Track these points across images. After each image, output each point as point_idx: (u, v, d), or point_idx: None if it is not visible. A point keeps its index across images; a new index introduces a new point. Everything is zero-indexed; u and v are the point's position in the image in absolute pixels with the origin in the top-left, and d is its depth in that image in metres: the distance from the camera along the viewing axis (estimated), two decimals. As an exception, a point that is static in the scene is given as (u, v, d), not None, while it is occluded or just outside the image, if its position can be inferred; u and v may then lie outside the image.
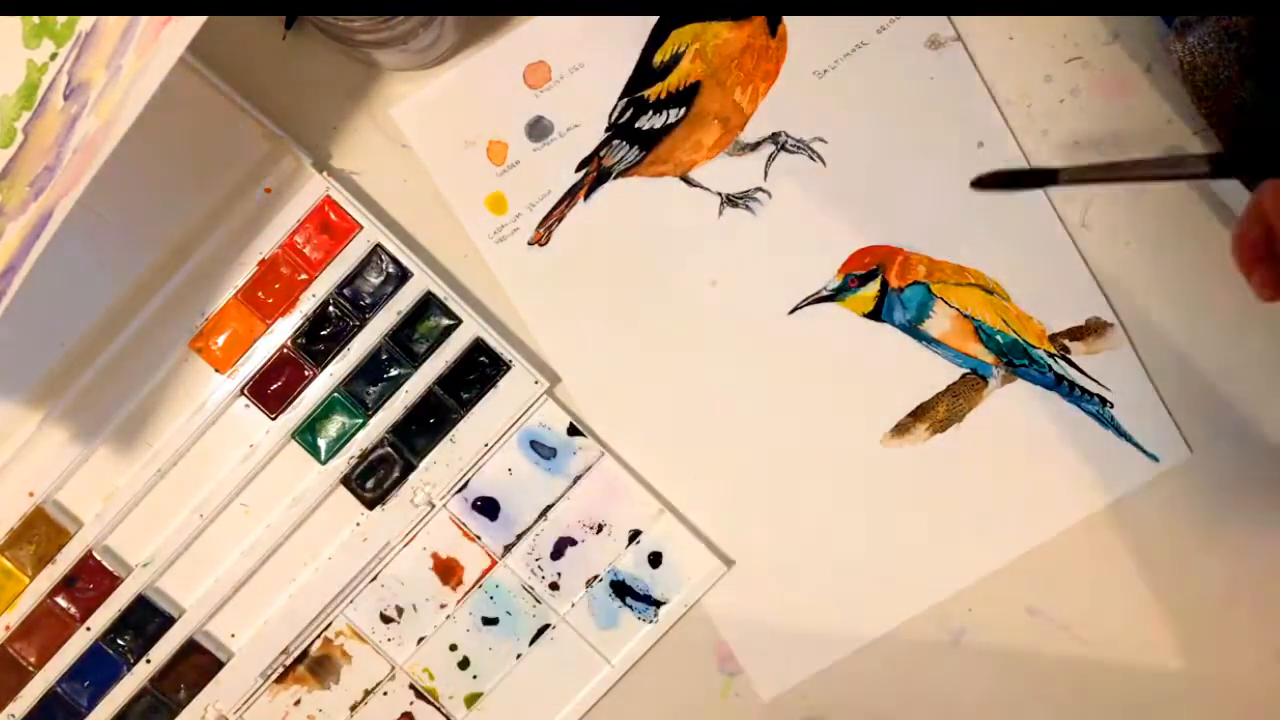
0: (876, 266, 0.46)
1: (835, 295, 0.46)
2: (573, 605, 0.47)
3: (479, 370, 0.46)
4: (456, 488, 0.47)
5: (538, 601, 0.47)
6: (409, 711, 0.48)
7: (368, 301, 0.46)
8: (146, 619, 0.47)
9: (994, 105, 0.45)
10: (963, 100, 0.45)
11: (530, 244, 0.46)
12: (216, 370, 0.46)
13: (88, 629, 0.46)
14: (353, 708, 0.47)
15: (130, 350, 0.45)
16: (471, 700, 0.47)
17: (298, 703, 0.47)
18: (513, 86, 0.46)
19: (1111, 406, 0.46)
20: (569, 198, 0.46)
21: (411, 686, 0.47)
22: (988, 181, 0.38)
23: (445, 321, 0.46)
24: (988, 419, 0.46)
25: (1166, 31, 0.43)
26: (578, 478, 0.47)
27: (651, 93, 0.46)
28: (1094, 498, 0.46)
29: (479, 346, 0.46)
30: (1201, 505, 0.46)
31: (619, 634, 0.47)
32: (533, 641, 0.47)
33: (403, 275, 0.46)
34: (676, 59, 0.45)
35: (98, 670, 0.47)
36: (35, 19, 0.37)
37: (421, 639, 0.47)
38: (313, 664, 0.47)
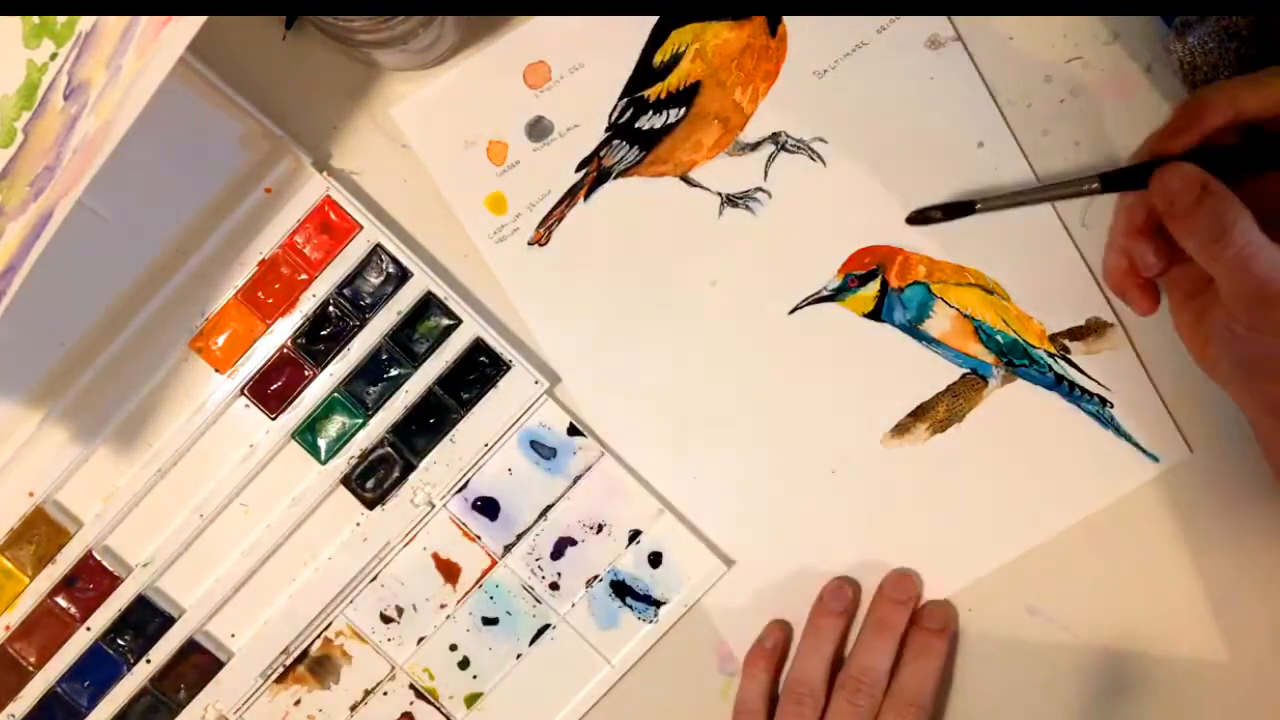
0: (876, 266, 0.46)
1: (835, 295, 0.46)
2: (573, 605, 0.47)
3: (479, 370, 0.46)
4: (456, 488, 0.47)
5: (538, 601, 0.47)
6: (409, 711, 0.48)
7: (368, 301, 0.46)
8: (146, 619, 0.47)
9: (994, 105, 0.45)
10: (963, 100, 0.45)
11: (530, 244, 0.46)
12: (216, 370, 0.46)
13: (88, 629, 0.46)
14: (353, 708, 0.47)
15: (130, 350, 0.45)
16: (471, 700, 0.47)
17: (298, 703, 0.47)
18: (513, 86, 0.46)
19: (1111, 406, 0.46)
20: (569, 198, 0.46)
21: (411, 686, 0.47)
22: (914, 219, 0.44)
23: (445, 321, 0.46)
24: (988, 419, 0.46)
25: (1166, 31, 0.43)
26: (578, 478, 0.47)
27: (651, 93, 0.46)
28: (1094, 497, 0.46)
29: (479, 346, 0.46)
30: (1201, 505, 0.46)
31: (619, 634, 0.47)
32: (533, 641, 0.47)
33: (403, 275, 0.46)
34: (676, 59, 0.45)
35: (98, 670, 0.47)
36: (35, 19, 0.37)
37: (421, 639, 0.47)
38: (313, 664, 0.47)
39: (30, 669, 0.46)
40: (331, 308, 0.46)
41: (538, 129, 0.46)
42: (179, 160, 0.44)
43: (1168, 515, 0.46)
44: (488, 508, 0.47)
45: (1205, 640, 0.46)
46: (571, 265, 0.46)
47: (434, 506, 0.47)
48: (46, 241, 0.35)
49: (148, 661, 0.47)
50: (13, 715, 0.46)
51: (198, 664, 0.47)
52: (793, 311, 0.46)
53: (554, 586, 0.47)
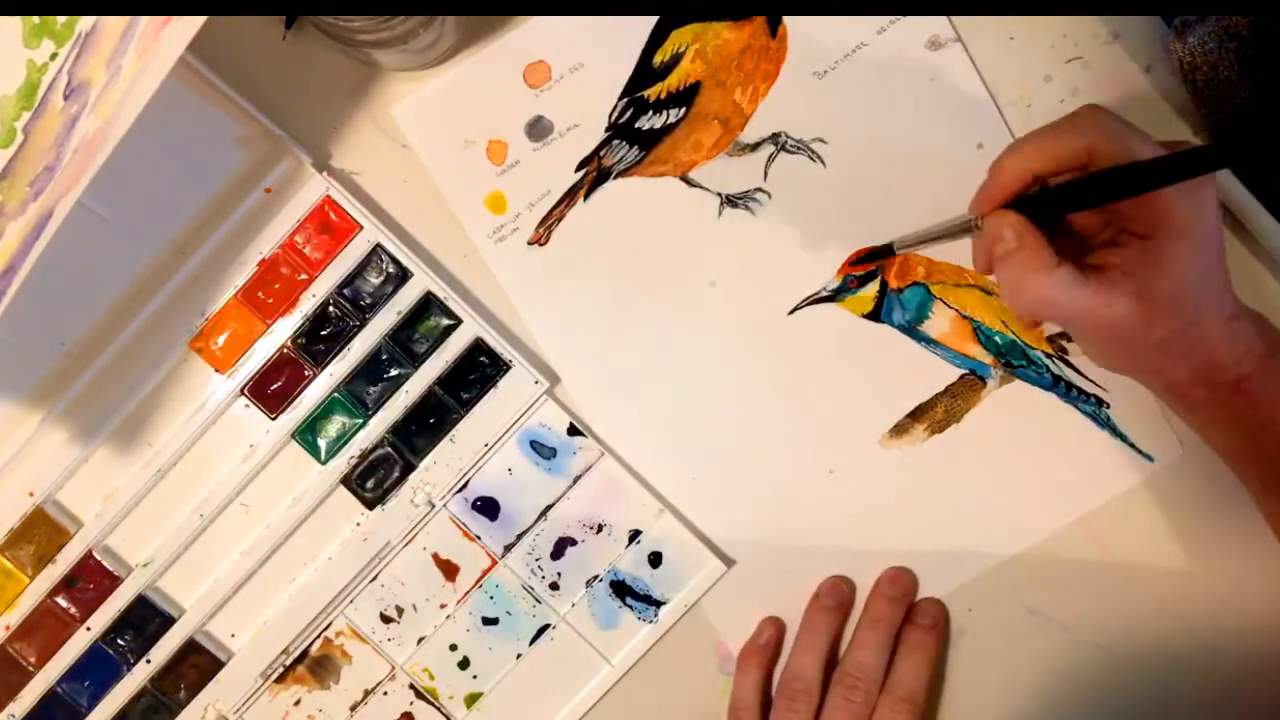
0: (876, 267, 0.46)
1: (835, 296, 0.46)
2: (573, 605, 0.47)
3: (479, 370, 0.46)
4: (456, 488, 0.47)
5: (538, 601, 0.47)
6: (409, 711, 0.48)
7: (368, 301, 0.46)
8: (146, 619, 0.47)
9: (994, 105, 0.45)
10: (963, 100, 0.45)
11: (530, 244, 0.46)
12: (216, 370, 0.46)
13: (88, 629, 0.46)
14: (353, 708, 0.47)
15: (130, 350, 0.45)
16: (471, 700, 0.47)
17: (298, 703, 0.47)
18: (513, 86, 0.46)
19: (1108, 407, 0.46)
20: (569, 198, 0.46)
21: (411, 686, 0.47)
22: (857, 261, 0.46)
23: (445, 321, 0.46)
24: (986, 419, 0.46)
25: (1166, 31, 0.43)
26: (578, 478, 0.47)
27: (651, 93, 0.46)
28: (1091, 497, 0.46)
29: (479, 346, 0.46)
30: (1195, 503, 0.46)
31: (619, 634, 0.47)
32: (533, 641, 0.47)
33: (403, 275, 0.46)
34: (676, 59, 0.45)
35: (98, 670, 0.47)
36: (35, 19, 0.37)
37: (421, 639, 0.47)
38: (313, 664, 0.47)
39: (30, 669, 0.46)
40: (331, 308, 0.46)
41: (538, 129, 0.46)
42: (179, 160, 0.44)
43: (1163, 514, 0.47)
44: (488, 508, 0.47)
45: (1203, 638, 0.47)
46: (571, 265, 0.47)
47: (434, 506, 0.47)
48: (46, 241, 0.35)
49: (148, 661, 0.47)
50: (13, 715, 0.46)
51: (198, 664, 0.47)
52: (792, 312, 0.46)
53: (554, 586, 0.47)
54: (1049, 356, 0.46)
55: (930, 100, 0.45)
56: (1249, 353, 0.38)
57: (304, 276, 0.46)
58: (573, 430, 0.46)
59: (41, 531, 0.46)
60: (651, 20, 0.45)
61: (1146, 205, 0.36)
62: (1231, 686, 0.46)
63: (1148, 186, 0.35)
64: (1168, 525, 0.46)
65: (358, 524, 0.47)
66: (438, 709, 0.47)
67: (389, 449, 0.46)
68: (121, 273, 0.45)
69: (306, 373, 0.46)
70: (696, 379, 0.47)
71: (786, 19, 0.45)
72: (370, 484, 0.47)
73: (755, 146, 0.46)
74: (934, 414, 0.47)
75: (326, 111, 0.46)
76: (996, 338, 0.46)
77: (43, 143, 0.37)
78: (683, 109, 0.46)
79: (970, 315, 0.46)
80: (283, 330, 0.46)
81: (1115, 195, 0.36)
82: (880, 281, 0.46)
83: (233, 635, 0.47)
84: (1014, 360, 0.46)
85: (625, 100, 0.46)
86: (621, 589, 0.47)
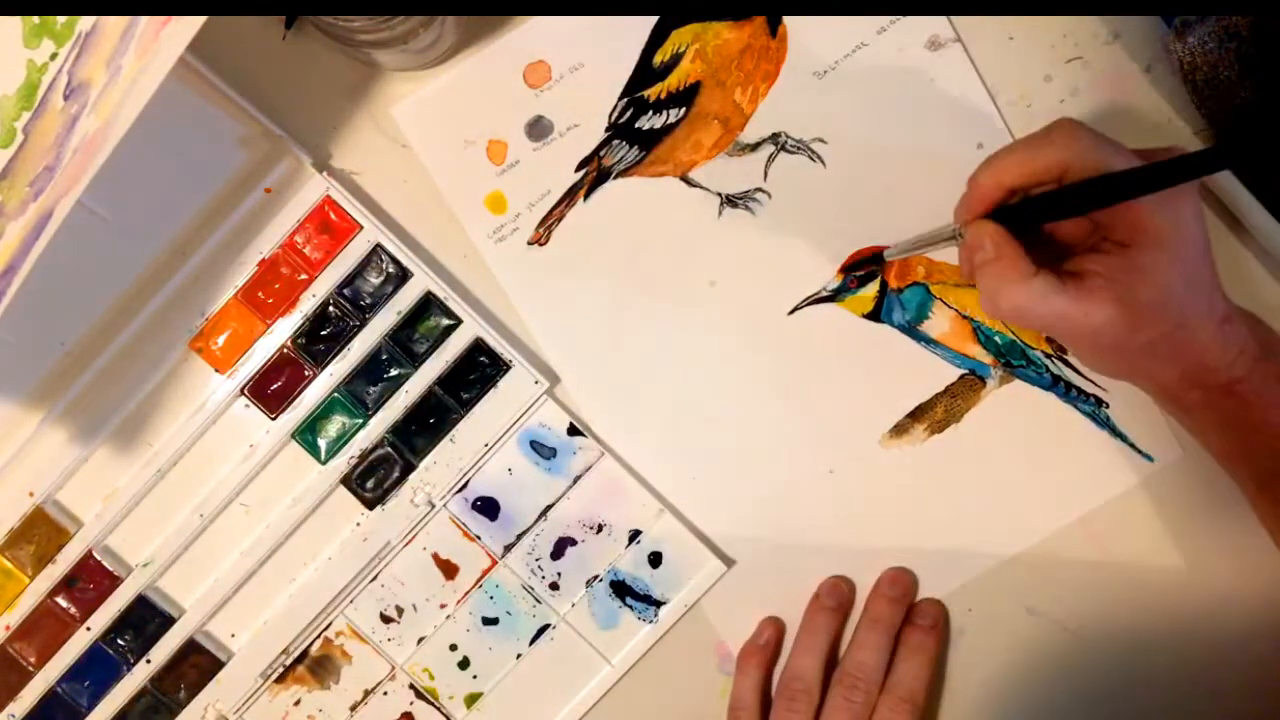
0: (874, 268, 0.46)
1: (835, 296, 0.46)
2: (573, 605, 0.47)
3: (479, 370, 0.46)
4: (456, 488, 0.47)
5: (538, 601, 0.47)
6: (409, 711, 0.48)
7: (368, 301, 0.46)
8: (146, 619, 0.47)
9: (994, 106, 0.45)
10: (963, 101, 0.45)
11: (530, 244, 0.46)
12: (216, 370, 0.46)
13: (88, 629, 0.46)
14: (353, 708, 0.47)
15: (130, 350, 0.45)
16: (471, 700, 0.47)
17: (298, 703, 0.47)
18: (513, 86, 0.46)
19: (1107, 407, 0.46)
20: (568, 198, 0.46)
21: (411, 686, 0.47)
22: (850, 267, 0.46)
23: (445, 321, 0.46)
24: (986, 419, 0.46)
25: (1166, 31, 0.43)
26: (578, 478, 0.47)
27: (651, 93, 0.46)
28: (1090, 497, 0.46)
29: (479, 346, 0.46)
30: (1195, 503, 0.46)
31: (619, 634, 0.47)
32: (533, 641, 0.47)
33: (403, 275, 0.46)
34: (676, 59, 0.45)
35: (98, 670, 0.47)
36: (35, 19, 0.37)
37: (421, 639, 0.47)
38: (313, 664, 0.47)
39: (30, 669, 0.46)
40: (331, 308, 0.46)
41: (537, 129, 0.46)
42: (179, 160, 0.44)
43: (1163, 514, 0.47)
44: (488, 508, 0.47)
45: (1203, 638, 0.47)
46: (571, 265, 0.47)
47: (434, 506, 0.47)
48: (46, 241, 0.35)
49: (148, 661, 0.47)
50: (13, 715, 0.46)
51: (198, 664, 0.47)
52: (792, 312, 0.47)
53: (554, 586, 0.47)
54: (1049, 356, 0.46)
55: (930, 100, 0.45)
56: (1241, 355, 0.38)
57: (304, 276, 0.46)
58: (573, 430, 0.46)
59: (41, 531, 0.46)
60: (651, 20, 0.45)
61: (1124, 214, 0.36)
62: (1230, 685, 0.46)
63: (1123, 196, 0.35)
64: (1167, 525, 0.47)
65: (358, 524, 0.47)
66: (438, 709, 0.47)
67: (389, 449, 0.46)
68: (121, 273, 0.45)
69: (306, 373, 0.46)
70: (696, 379, 0.47)
71: (786, 19, 0.45)
72: (370, 484, 0.47)
73: (755, 146, 0.46)
74: (934, 414, 0.47)
75: (326, 111, 0.46)
76: (996, 338, 0.46)
77: (43, 143, 0.37)
78: (683, 109, 0.46)
79: (970, 315, 0.46)
80: (283, 330, 0.46)
81: (1091, 205, 0.36)
82: (880, 281, 0.46)
83: (233, 635, 0.47)
84: (1014, 360, 0.46)
85: (625, 100, 0.46)
86: (621, 589, 0.47)
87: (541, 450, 0.47)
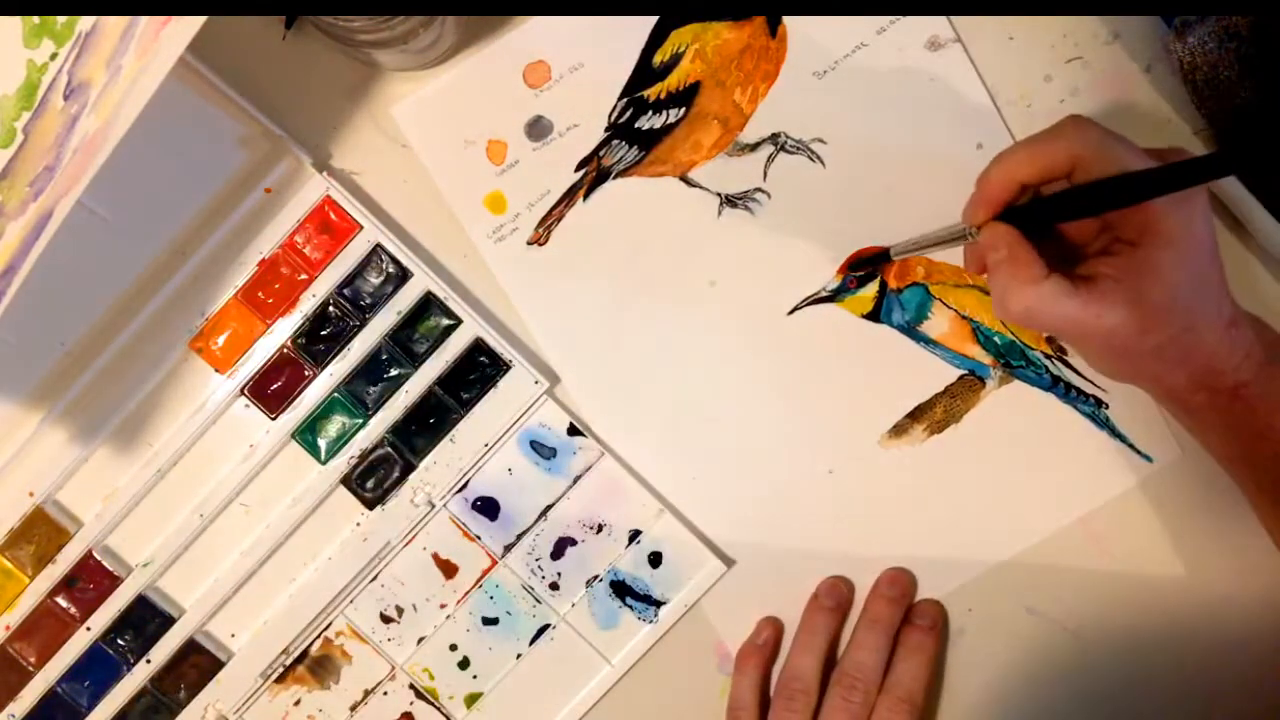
0: (875, 268, 0.46)
1: (834, 296, 0.46)
2: (573, 605, 0.47)
3: (479, 370, 0.46)
4: (456, 488, 0.47)
5: (538, 601, 0.47)
6: (409, 711, 0.48)
7: (368, 301, 0.46)
8: (146, 619, 0.47)
9: (994, 106, 0.45)
10: (963, 101, 0.45)
11: (529, 244, 0.46)
12: (216, 370, 0.46)
13: (88, 629, 0.46)
14: (353, 708, 0.47)
15: (130, 350, 0.45)
16: (471, 700, 0.47)
17: (298, 703, 0.47)
18: (512, 86, 0.46)
19: (1106, 407, 0.46)
20: (568, 197, 0.46)
21: (411, 686, 0.47)
22: (854, 265, 0.46)
23: (445, 321, 0.46)
24: (985, 420, 0.46)
25: (1166, 31, 0.43)
26: (578, 478, 0.47)
27: (651, 93, 0.46)
28: (1090, 497, 0.47)
29: (479, 346, 0.46)
30: (1194, 504, 0.46)
31: (619, 634, 0.47)
32: (533, 641, 0.47)
33: (403, 275, 0.46)
34: (676, 59, 0.45)
35: (98, 670, 0.47)
36: (35, 19, 0.37)
37: (421, 639, 0.47)
38: (313, 664, 0.47)
39: (30, 669, 0.46)
40: (331, 308, 0.46)
41: (537, 129, 0.46)
42: (179, 160, 0.44)
43: (1162, 515, 0.47)
44: (488, 508, 0.47)
45: (1203, 638, 0.47)
46: (571, 265, 0.47)
47: (434, 506, 0.47)
48: (46, 241, 0.35)
49: (148, 661, 0.47)
50: (13, 715, 0.46)
51: (198, 664, 0.47)
52: (792, 312, 0.47)
53: (554, 586, 0.47)
54: (1048, 357, 0.46)
55: (930, 100, 0.45)
56: (1247, 358, 0.38)
57: (304, 276, 0.46)
58: (573, 430, 0.46)
59: (41, 531, 0.46)
60: (651, 20, 0.45)
61: (1135, 214, 0.36)
62: (1229, 685, 0.46)
63: (1139, 198, 0.35)
64: (1166, 526, 0.47)
65: (358, 524, 0.47)
66: (438, 709, 0.47)
67: (389, 449, 0.46)
68: (121, 273, 0.45)
69: (306, 373, 0.46)
70: (696, 379, 0.47)
71: (786, 19, 0.45)
72: (370, 484, 0.47)
73: (755, 146, 0.46)
74: (933, 414, 0.47)
75: (326, 111, 0.46)
76: (996, 338, 0.46)
77: (43, 143, 0.37)
78: (682, 109, 0.46)
79: (970, 316, 0.46)
80: (283, 330, 0.46)
81: (1106, 206, 0.36)
82: (880, 282, 0.46)
83: (233, 635, 0.47)
84: (1013, 361, 0.46)
85: (625, 100, 0.46)
86: (621, 589, 0.47)
87: (541, 450, 0.47)
